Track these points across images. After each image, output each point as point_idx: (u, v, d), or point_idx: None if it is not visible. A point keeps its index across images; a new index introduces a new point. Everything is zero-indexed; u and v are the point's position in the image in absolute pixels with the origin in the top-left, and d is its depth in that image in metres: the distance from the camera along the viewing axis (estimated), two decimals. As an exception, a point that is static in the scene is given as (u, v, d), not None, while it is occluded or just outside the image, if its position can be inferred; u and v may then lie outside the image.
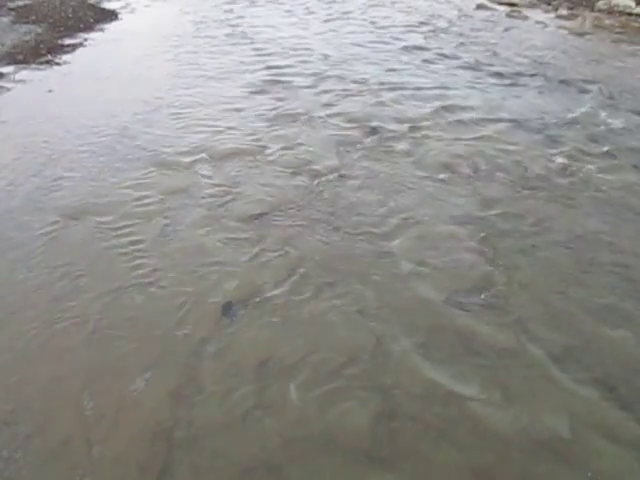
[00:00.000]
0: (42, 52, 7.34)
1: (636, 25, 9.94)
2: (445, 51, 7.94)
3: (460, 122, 5.50)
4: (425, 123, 5.42)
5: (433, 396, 2.51)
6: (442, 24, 9.60)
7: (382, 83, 6.50)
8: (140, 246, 3.48)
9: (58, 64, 7.04)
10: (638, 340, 2.87)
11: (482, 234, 3.69)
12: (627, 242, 3.67)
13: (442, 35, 8.87)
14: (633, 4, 10.60)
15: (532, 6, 11.33)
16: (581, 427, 2.38)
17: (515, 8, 11.06)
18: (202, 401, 2.46)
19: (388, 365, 2.67)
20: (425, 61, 7.46)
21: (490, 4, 11.38)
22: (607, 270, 3.39)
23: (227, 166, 4.50)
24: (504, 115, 5.71)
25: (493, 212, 3.96)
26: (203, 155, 4.65)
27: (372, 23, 9.59)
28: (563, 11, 10.88)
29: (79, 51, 7.66)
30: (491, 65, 7.39)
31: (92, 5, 10.13)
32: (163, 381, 2.55)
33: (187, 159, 4.58)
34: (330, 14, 10.24)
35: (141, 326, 2.86)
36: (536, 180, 4.42)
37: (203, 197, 4.04)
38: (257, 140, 4.96)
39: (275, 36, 8.53)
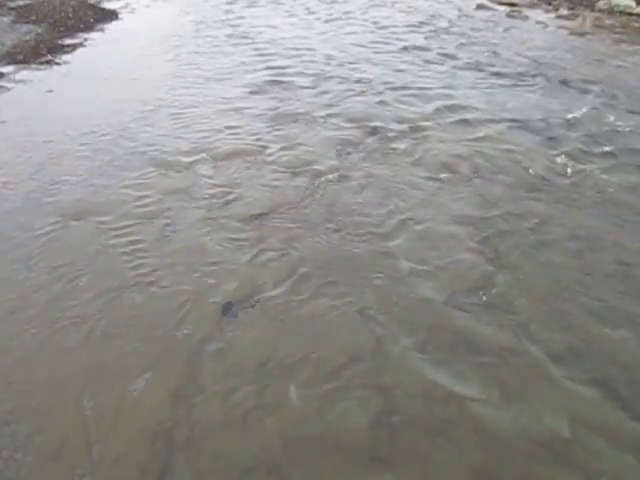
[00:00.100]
0: (42, 52, 7.34)
1: (636, 25, 9.94)
2: (446, 51, 7.94)
3: (461, 122, 5.50)
4: (426, 123, 5.42)
5: (433, 396, 2.51)
6: (442, 24, 9.60)
7: (383, 83, 6.50)
8: (140, 246, 3.48)
9: (58, 64, 7.04)
10: (638, 340, 2.87)
11: (482, 234, 3.69)
12: (628, 242, 3.67)
13: (443, 35, 8.87)
14: (633, 4, 10.60)
15: (532, 6, 11.34)
16: (581, 427, 2.38)
17: (515, 8, 11.07)
18: (202, 401, 2.46)
19: (388, 365, 2.67)
20: (425, 61, 7.46)
21: (490, 4, 11.39)
22: (607, 270, 3.39)
23: (227, 166, 4.50)
24: (505, 115, 5.71)
25: (493, 212, 3.96)
26: (203, 155, 4.65)
27: (373, 23, 9.60)
28: (563, 11, 10.88)
29: (79, 51, 7.66)
30: (492, 65, 7.38)
31: (92, 5, 10.13)
32: (163, 381, 2.55)
33: (187, 159, 4.58)
34: (330, 14, 10.24)
35: (141, 326, 2.86)
36: (537, 180, 4.42)
37: (203, 197, 4.04)
38: (257, 140, 4.96)
39: (276, 36, 8.54)
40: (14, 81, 6.33)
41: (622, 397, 2.54)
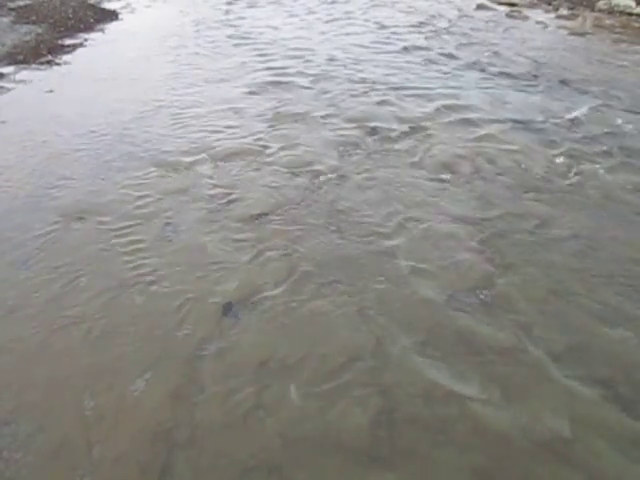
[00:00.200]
0: (42, 52, 7.35)
1: (636, 25, 9.94)
2: (446, 51, 7.94)
3: (461, 122, 5.50)
4: (426, 123, 5.42)
5: (433, 396, 2.51)
6: (443, 24, 9.60)
7: (383, 83, 6.50)
8: (140, 246, 3.48)
9: (58, 64, 7.04)
10: (638, 340, 2.87)
11: (483, 234, 3.69)
12: (628, 242, 3.67)
13: (443, 35, 8.88)
14: (633, 4, 10.60)
15: (532, 6, 11.34)
16: (581, 427, 2.38)
17: (515, 8, 11.07)
18: (202, 401, 2.46)
19: (388, 365, 2.67)
20: (426, 61, 7.46)
21: (490, 4, 11.39)
22: (608, 270, 3.39)
23: (228, 166, 4.50)
24: (505, 115, 5.71)
25: (494, 212, 3.96)
26: (203, 155, 4.65)
27: (373, 23, 9.60)
28: (563, 11, 10.88)
29: (79, 51, 7.67)
30: (492, 65, 7.39)
31: (92, 5, 10.14)
32: (163, 381, 2.55)
33: (187, 159, 4.58)
34: (331, 14, 10.25)
35: (141, 326, 2.86)
36: (537, 180, 4.42)
37: (203, 197, 4.04)
38: (258, 140, 4.96)
39: (276, 37, 8.54)
40: (14, 81, 6.33)
41: (622, 397, 2.54)
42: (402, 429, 2.36)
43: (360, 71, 6.95)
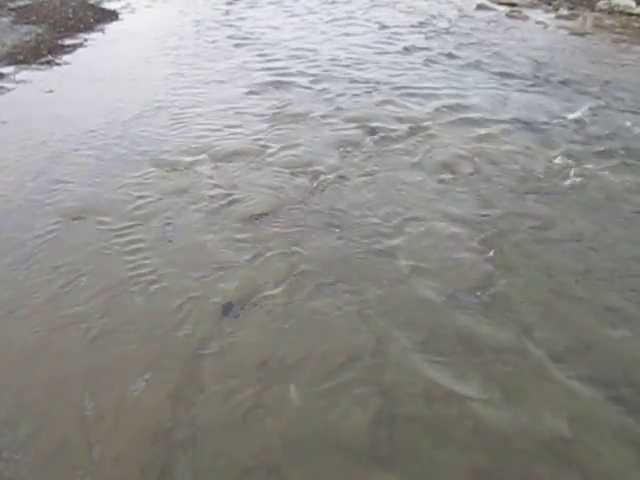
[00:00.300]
0: (42, 52, 7.35)
1: (636, 25, 9.94)
2: (446, 51, 7.94)
3: (461, 122, 5.50)
4: (426, 123, 5.43)
5: (433, 396, 2.51)
6: (443, 24, 9.61)
7: (383, 83, 6.50)
8: (140, 246, 3.48)
9: (58, 64, 7.04)
10: (639, 340, 2.87)
11: (483, 234, 3.69)
12: (628, 242, 3.67)
13: (443, 35, 8.88)
14: (633, 4, 10.60)
15: (532, 6, 11.34)
16: (581, 427, 2.38)
17: (515, 8, 11.07)
18: (202, 401, 2.46)
19: (388, 365, 2.67)
20: (426, 61, 7.46)
21: (490, 4, 11.39)
22: (608, 270, 3.39)
23: (228, 166, 4.50)
24: (505, 115, 5.71)
25: (494, 212, 3.96)
26: (204, 155, 4.65)
27: (374, 23, 9.60)
28: (563, 11, 10.88)
29: (79, 51, 7.67)
30: (492, 65, 7.39)
31: (92, 5, 10.15)
32: (163, 381, 2.55)
33: (187, 159, 4.58)
34: (331, 14, 10.25)
35: (141, 326, 2.86)
36: (537, 180, 4.42)
37: (203, 197, 4.04)
38: (258, 140, 4.96)
39: (276, 37, 8.54)
40: (14, 81, 6.33)
41: (623, 397, 2.54)
42: (402, 429, 2.36)
43: (361, 71, 6.95)
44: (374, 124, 5.35)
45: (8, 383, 2.55)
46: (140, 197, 4.01)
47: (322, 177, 4.35)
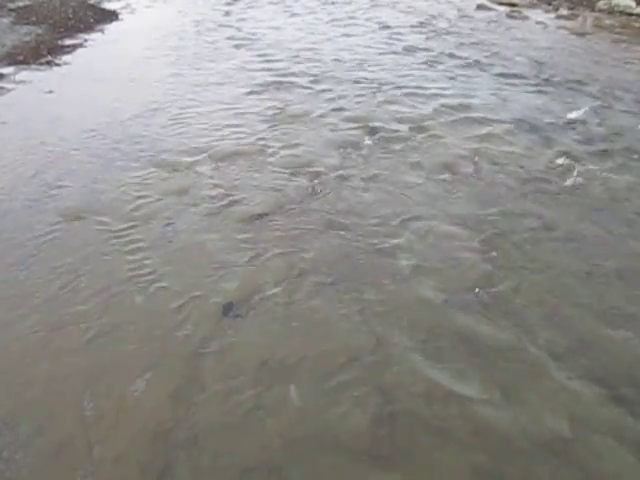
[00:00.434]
0: (42, 53, 7.35)
1: (636, 25, 9.94)
2: (446, 51, 7.95)
3: (461, 122, 5.50)
4: (426, 123, 5.43)
5: (433, 396, 2.51)
6: (443, 25, 9.61)
7: (383, 83, 6.51)
8: (141, 246, 3.48)
9: (58, 65, 7.05)
10: (639, 340, 2.87)
11: (483, 234, 3.69)
12: (628, 242, 3.67)
13: (443, 36, 8.88)
14: (633, 4, 10.60)
15: (532, 6, 11.34)
16: (581, 427, 2.38)
17: (515, 8, 11.07)
18: (203, 401, 2.46)
19: (388, 365, 2.67)
20: (426, 61, 7.46)
21: (490, 4, 11.39)
22: (608, 269, 3.39)
23: (228, 166, 4.50)
24: (505, 115, 5.72)
25: (494, 212, 3.96)
26: (204, 155, 4.66)
27: (374, 24, 9.61)
28: (563, 11, 10.89)
29: (79, 52, 7.67)
30: (492, 65, 7.39)
31: (92, 5, 10.15)
32: (164, 381, 2.55)
33: (188, 159, 4.58)
34: (331, 14, 10.25)
35: (142, 326, 2.86)
36: (537, 180, 4.42)
37: (204, 197, 4.04)
38: (258, 140, 4.96)
39: (277, 37, 8.54)
40: (14, 82, 6.34)
41: (623, 396, 2.54)
42: (402, 429, 2.36)
43: (361, 71, 6.95)
44: (374, 124, 5.35)
45: (8, 383, 2.55)
46: (140, 197, 4.01)
47: (322, 177, 4.35)
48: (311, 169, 4.47)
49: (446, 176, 4.45)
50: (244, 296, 3.07)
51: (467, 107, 5.88)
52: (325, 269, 3.31)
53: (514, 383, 2.60)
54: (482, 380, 2.60)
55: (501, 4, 11.35)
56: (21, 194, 4.02)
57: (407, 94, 6.19)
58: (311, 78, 6.63)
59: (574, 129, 5.43)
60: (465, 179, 4.42)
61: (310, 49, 7.86)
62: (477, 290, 3.17)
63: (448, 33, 9.04)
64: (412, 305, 3.06)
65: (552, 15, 10.70)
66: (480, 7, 11.16)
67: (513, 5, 11.29)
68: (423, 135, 5.17)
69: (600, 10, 10.83)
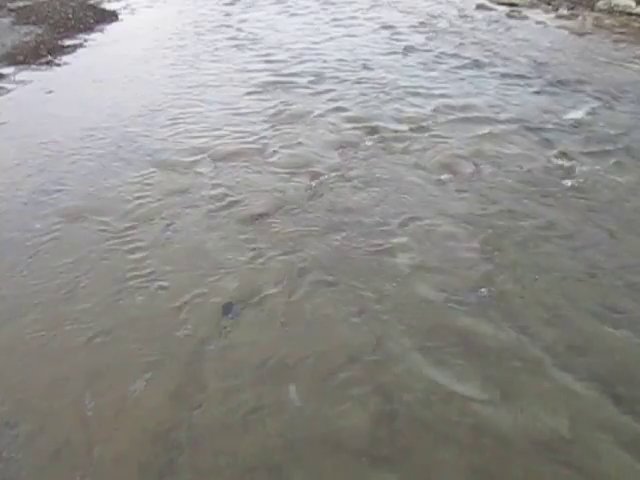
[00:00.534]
0: (42, 53, 7.36)
1: (636, 25, 9.93)
2: (446, 51, 7.94)
3: (460, 122, 5.50)
4: (426, 123, 5.43)
5: (433, 396, 2.51)
6: (443, 24, 9.60)
7: (383, 83, 6.50)
8: (141, 246, 3.48)
9: (58, 65, 7.05)
10: (639, 340, 2.87)
11: (482, 234, 3.69)
12: (628, 241, 3.67)
13: (443, 35, 8.87)
14: (633, 4, 10.59)
15: (532, 6, 11.33)
16: (581, 427, 2.38)
17: (515, 8, 11.06)
18: (203, 401, 2.47)
19: (388, 365, 2.67)
20: (426, 61, 7.46)
21: (490, 4, 11.39)
22: (608, 269, 3.39)
23: (228, 167, 4.50)
24: (505, 115, 5.71)
25: (494, 212, 3.96)
26: (204, 156, 4.66)
27: (374, 23, 9.59)
28: (563, 11, 10.88)
29: (79, 52, 7.68)
30: (491, 65, 7.38)
31: (92, 6, 10.15)
32: (164, 381, 2.56)
33: (188, 160, 4.58)
34: (332, 14, 10.24)
35: (142, 327, 2.86)
36: (536, 180, 4.42)
37: (204, 198, 4.04)
38: (258, 140, 4.96)
39: (277, 37, 8.54)
40: (14, 82, 6.34)
41: (623, 396, 2.54)
42: (402, 429, 2.36)
43: (361, 71, 6.95)
44: (374, 124, 5.35)
45: (9, 383, 2.55)
46: (140, 197, 4.02)
47: (322, 177, 4.36)
48: (311, 169, 4.47)
49: (446, 176, 4.45)
50: (244, 296, 3.08)
51: (467, 107, 5.87)
52: (325, 269, 3.32)
53: (514, 383, 2.60)
54: (482, 380, 2.60)
55: (501, 4, 11.34)
56: (21, 194, 4.03)
57: (407, 94, 6.18)
58: (312, 78, 6.63)
59: (574, 129, 5.42)
60: (465, 179, 4.42)
61: (310, 49, 7.86)
62: (481, 290, 3.17)
63: (448, 33, 9.03)
64: (412, 305, 3.06)
65: (552, 15, 10.69)
66: (480, 7, 11.15)
67: (513, 5, 11.28)
68: (423, 135, 5.17)
69: (600, 10, 10.82)
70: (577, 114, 5.80)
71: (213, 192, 4.11)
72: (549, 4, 11.43)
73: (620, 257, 3.51)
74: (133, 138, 4.96)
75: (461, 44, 8.37)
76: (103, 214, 3.81)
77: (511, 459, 2.25)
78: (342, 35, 8.78)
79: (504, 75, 7.01)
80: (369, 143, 4.99)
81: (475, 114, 5.71)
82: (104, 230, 3.64)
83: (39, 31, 8.28)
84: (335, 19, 9.87)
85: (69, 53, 7.56)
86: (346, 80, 6.61)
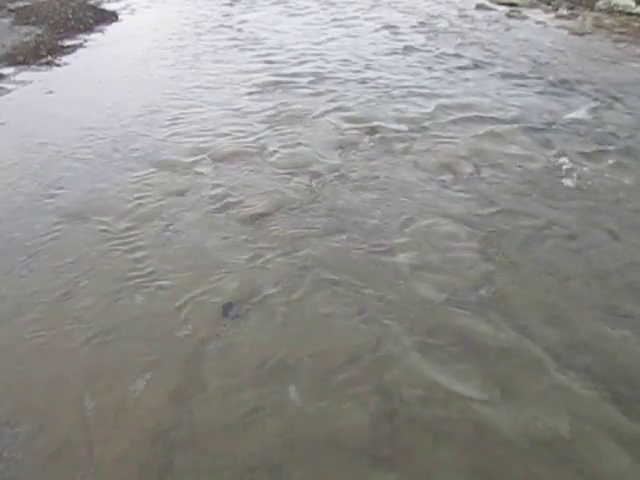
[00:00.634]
0: (42, 53, 7.36)
1: (636, 25, 9.93)
2: (446, 51, 7.94)
3: (460, 122, 5.50)
4: (426, 123, 5.43)
5: (433, 396, 2.51)
6: (443, 24, 9.61)
7: (383, 83, 6.51)
8: (141, 246, 3.48)
9: (58, 65, 7.05)
10: (639, 340, 2.87)
11: (482, 234, 3.69)
12: (628, 241, 3.67)
13: (443, 35, 8.88)
14: (633, 4, 10.59)
15: (532, 6, 11.34)
16: (581, 427, 2.38)
17: (515, 8, 11.06)
18: (203, 401, 2.47)
19: (388, 365, 2.67)
20: (426, 61, 7.46)
21: (490, 4, 11.39)
22: (608, 269, 3.39)
23: (228, 167, 4.50)
24: (505, 115, 5.71)
25: (493, 212, 3.96)
26: (204, 156, 4.66)
27: (374, 23, 9.60)
28: (563, 11, 10.88)
29: (79, 52, 7.68)
30: (491, 65, 7.39)
31: (92, 6, 10.15)
32: (164, 382, 2.55)
33: (188, 160, 4.58)
34: (332, 14, 10.24)
35: (142, 327, 2.87)
36: (537, 180, 4.42)
37: (204, 198, 4.04)
38: (258, 141, 4.96)
39: (277, 38, 8.54)
40: (14, 82, 6.34)
41: (623, 396, 2.54)
42: (402, 429, 2.36)
43: (361, 71, 6.95)
44: (375, 124, 5.35)
45: (9, 383, 2.55)
46: (140, 197, 4.02)
47: (322, 177, 4.36)
48: (311, 169, 4.47)
49: (446, 176, 4.45)
50: (244, 296, 3.08)
51: (467, 107, 5.87)
52: (325, 269, 3.32)
53: (514, 383, 2.60)
54: (482, 380, 2.60)
55: (501, 4, 11.35)
56: (21, 194, 4.03)
57: (407, 94, 6.18)
58: (312, 78, 6.63)
59: (574, 129, 5.42)
60: (465, 179, 4.42)
61: (311, 49, 7.86)
62: (481, 290, 3.17)
63: (448, 33, 9.03)
64: (412, 305, 3.06)
65: (552, 15, 10.70)
66: (480, 7, 11.16)
67: (513, 5, 11.28)
68: (423, 135, 5.17)
69: (600, 10, 10.82)
70: (577, 114, 5.80)
71: (213, 192, 4.11)
72: (549, 4, 11.44)
73: (620, 257, 3.51)
74: (133, 138, 4.96)
75: (461, 44, 8.37)
76: (103, 214, 3.81)
77: (511, 459, 2.25)
78: (342, 35, 8.78)
79: (504, 75, 7.01)
80: (369, 143, 4.99)
81: (475, 114, 5.71)
82: (104, 230, 3.64)
83: (39, 31, 8.28)
84: (335, 19, 9.87)
85: (69, 53, 7.57)
86: (346, 80, 6.61)
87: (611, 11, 10.68)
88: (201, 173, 4.39)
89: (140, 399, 2.47)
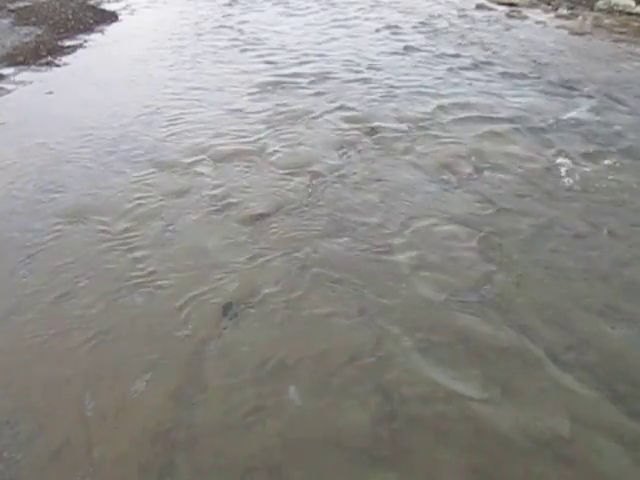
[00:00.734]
0: (42, 54, 7.36)
1: (636, 25, 9.93)
2: (446, 51, 7.94)
3: (460, 122, 5.50)
4: (425, 123, 5.43)
5: (433, 395, 2.51)
6: (443, 24, 9.61)
7: (383, 83, 6.50)
8: (141, 246, 3.48)
9: (58, 66, 7.05)
10: (639, 339, 2.87)
11: (482, 234, 3.69)
12: (628, 241, 3.67)
13: (443, 35, 8.88)
14: (633, 4, 10.59)
15: (532, 6, 11.33)
16: (581, 426, 2.38)
17: (515, 8, 11.06)
18: (203, 401, 2.47)
19: (389, 365, 2.67)
20: (426, 61, 7.46)
21: (490, 4, 11.39)
22: (608, 269, 3.39)
23: (228, 167, 4.50)
24: (505, 115, 5.71)
25: (494, 212, 3.96)
26: (204, 156, 4.66)
27: (374, 24, 9.60)
28: (563, 11, 10.88)
29: (79, 53, 7.68)
30: (492, 65, 7.39)
31: (92, 6, 10.15)
32: (164, 382, 2.55)
33: (187, 160, 4.58)
34: (332, 15, 10.24)
35: (142, 327, 2.87)
36: (537, 180, 4.42)
37: (204, 198, 4.04)
38: (258, 141, 4.96)
39: (277, 38, 8.54)
40: (14, 83, 6.34)
41: (623, 396, 2.54)
42: (402, 429, 2.36)
43: (361, 71, 6.95)
44: (375, 124, 5.35)
45: (9, 383, 2.55)
46: (140, 198, 4.02)
47: (322, 177, 4.36)
48: (311, 169, 4.47)
49: (446, 176, 4.45)
50: (244, 296, 3.08)
51: (467, 107, 5.87)
52: (325, 269, 3.32)
53: (514, 383, 2.59)
54: (482, 380, 2.60)
55: (500, 4, 11.34)
56: (21, 195, 4.03)
57: (407, 94, 6.19)
58: (312, 78, 6.63)
59: (574, 129, 5.42)
60: (465, 179, 4.42)
61: (311, 49, 7.86)
62: (481, 290, 3.16)
63: (448, 33, 9.04)
64: (412, 305, 3.06)
65: (552, 15, 10.70)
66: (480, 7, 11.16)
67: (513, 5, 11.28)
68: (423, 135, 5.17)
69: (599, 10, 10.82)
70: (578, 114, 5.80)
71: (213, 192, 4.11)
72: (549, 4, 11.44)
73: (621, 257, 3.51)
74: (133, 138, 4.96)
75: (461, 44, 8.37)
76: (103, 214, 3.81)
77: (511, 459, 2.25)
78: (343, 35, 8.78)
79: (504, 75, 7.01)
80: (369, 143, 4.99)
81: (475, 114, 5.71)
82: (104, 230, 3.64)
83: (39, 32, 8.28)
84: (336, 19, 9.87)
85: (69, 54, 7.57)
86: (347, 80, 6.61)
87: (611, 11, 10.68)
88: (201, 173, 4.39)
89: (140, 399, 2.47)
